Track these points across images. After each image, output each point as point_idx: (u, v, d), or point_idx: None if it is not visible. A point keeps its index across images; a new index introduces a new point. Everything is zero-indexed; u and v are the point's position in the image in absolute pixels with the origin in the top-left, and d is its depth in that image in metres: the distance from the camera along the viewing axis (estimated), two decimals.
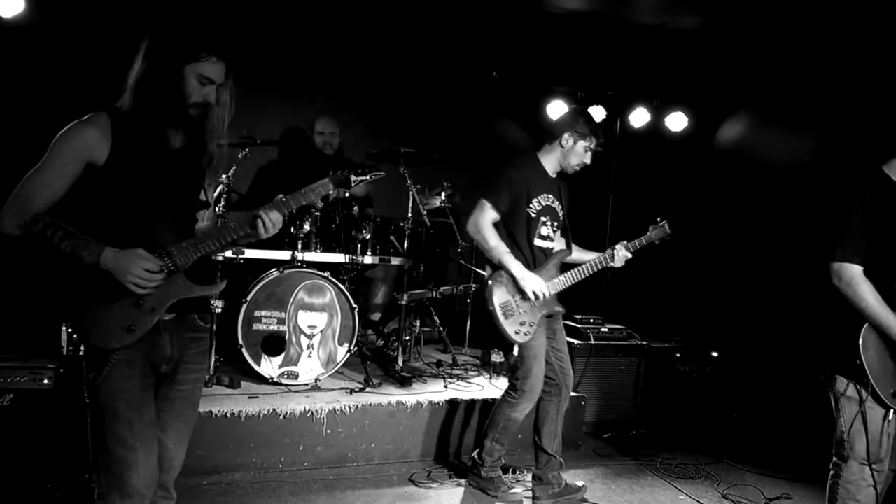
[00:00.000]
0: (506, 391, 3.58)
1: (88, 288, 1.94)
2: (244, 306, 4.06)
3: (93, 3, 4.95)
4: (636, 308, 5.75)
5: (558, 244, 3.65)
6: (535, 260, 3.50)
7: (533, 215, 3.49)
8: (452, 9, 5.23)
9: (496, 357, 4.86)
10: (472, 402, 4.18)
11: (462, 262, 5.33)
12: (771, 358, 4.95)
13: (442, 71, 6.11)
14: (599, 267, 3.58)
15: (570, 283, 3.53)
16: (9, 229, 1.91)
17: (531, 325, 3.42)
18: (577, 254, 3.67)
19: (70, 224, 1.92)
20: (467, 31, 5.64)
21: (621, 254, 3.60)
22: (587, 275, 3.56)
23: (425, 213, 4.82)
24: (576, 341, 4.69)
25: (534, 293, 3.37)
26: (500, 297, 3.38)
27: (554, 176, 3.59)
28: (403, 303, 4.60)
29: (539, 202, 3.50)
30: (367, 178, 2.30)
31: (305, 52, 5.74)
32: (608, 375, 4.73)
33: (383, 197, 5.37)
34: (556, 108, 6.16)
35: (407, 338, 4.84)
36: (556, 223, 3.59)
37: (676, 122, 6.11)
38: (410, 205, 4.65)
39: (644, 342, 4.82)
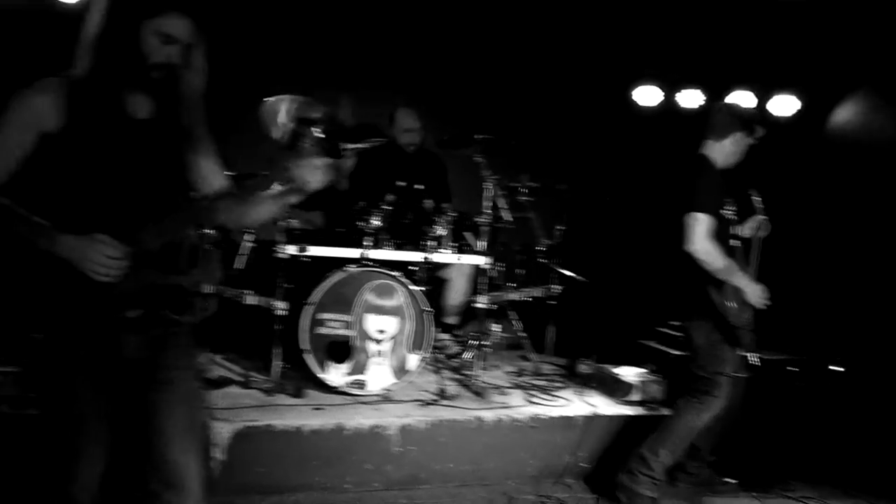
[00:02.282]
0: (690, 398, 3.36)
1: (48, 276, 1.73)
2: (308, 308, 3.73)
3: None
4: None
5: None
6: None
7: (729, 217, 3.44)
8: None
9: (584, 367, 4.39)
10: (559, 418, 3.74)
11: (545, 261, 4.87)
12: None
13: (521, 56, 5.68)
14: None
15: None
16: None
17: None
18: None
19: (27, 204, 1.71)
20: (548, 8, 5.18)
21: None
22: None
23: (505, 207, 4.39)
24: (674, 351, 4.21)
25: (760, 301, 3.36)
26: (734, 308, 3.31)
27: None
28: (481, 305, 4.19)
29: (730, 203, 3.43)
30: (361, 145, 1.99)
31: (375, 37, 5.40)
32: None
33: (457, 189, 4.96)
34: (646, 94, 5.64)
35: (485, 344, 4.41)
36: None
37: (785, 105, 5.48)
38: (488, 198, 4.23)
39: None
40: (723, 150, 3.41)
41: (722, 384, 3.32)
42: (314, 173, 1.85)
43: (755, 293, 3.32)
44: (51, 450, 1.85)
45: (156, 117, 1.87)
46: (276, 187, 1.89)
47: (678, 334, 4.27)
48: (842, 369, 4.32)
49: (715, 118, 3.48)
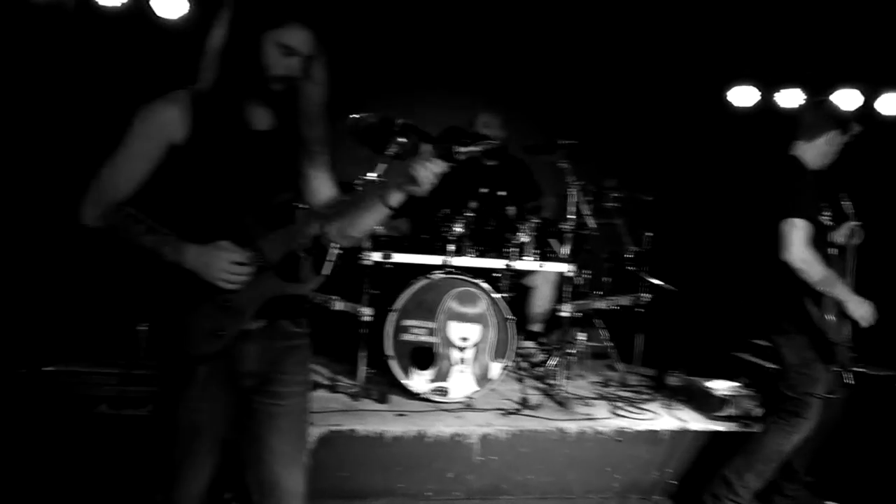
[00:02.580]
0: (778, 419, 3.18)
1: (173, 286, 1.77)
2: (392, 314, 3.78)
3: None
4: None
5: None
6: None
7: (826, 223, 3.24)
8: None
9: (673, 380, 4.24)
10: (646, 432, 3.62)
11: (633, 269, 4.74)
12: None
13: (609, 57, 5.54)
14: None
15: None
16: (90, 221, 1.79)
17: None
18: None
19: (151, 214, 1.76)
20: (638, 6, 5.03)
21: None
22: None
23: (589, 213, 4.30)
24: (770, 365, 3.97)
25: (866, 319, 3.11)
26: (833, 322, 3.12)
27: None
28: (565, 314, 4.11)
29: (826, 208, 3.23)
30: (475, 149, 1.95)
31: (458, 44, 5.40)
32: None
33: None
34: (742, 94, 5.39)
35: (570, 352, 4.33)
36: None
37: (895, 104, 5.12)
38: (572, 204, 4.15)
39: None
40: (816, 151, 3.19)
41: (812, 405, 3.11)
42: (430, 175, 1.86)
43: (861, 310, 3.07)
44: (162, 455, 1.88)
45: (275, 129, 1.90)
46: (387, 190, 1.88)
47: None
48: None
49: (806, 117, 3.27)
